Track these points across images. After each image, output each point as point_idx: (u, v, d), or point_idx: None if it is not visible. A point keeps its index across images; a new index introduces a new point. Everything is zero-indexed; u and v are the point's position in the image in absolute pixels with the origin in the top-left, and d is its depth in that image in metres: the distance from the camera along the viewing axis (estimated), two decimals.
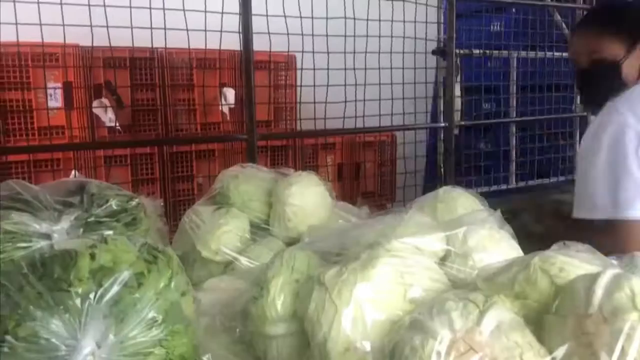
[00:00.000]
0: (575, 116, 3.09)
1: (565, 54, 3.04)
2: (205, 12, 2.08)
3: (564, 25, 3.03)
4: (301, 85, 2.54)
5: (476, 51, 2.84)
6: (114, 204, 1.09)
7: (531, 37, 3.02)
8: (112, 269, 0.76)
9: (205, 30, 2.11)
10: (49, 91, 2.39)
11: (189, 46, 2.17)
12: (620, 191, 1.37)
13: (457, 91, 2.68)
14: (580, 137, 3.02)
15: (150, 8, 2.04)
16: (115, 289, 0.74)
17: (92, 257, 0.76)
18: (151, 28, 2.06)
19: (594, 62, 1.63)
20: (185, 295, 0.83)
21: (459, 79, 2.71)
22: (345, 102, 2.43)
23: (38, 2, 1.86)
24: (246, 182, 1.37)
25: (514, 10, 3.18)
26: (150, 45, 2.17)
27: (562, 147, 3.14)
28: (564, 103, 3.12)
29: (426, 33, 2.68)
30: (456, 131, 2.71)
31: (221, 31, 2.11)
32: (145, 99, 2.68)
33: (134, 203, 1.15)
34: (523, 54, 2.99)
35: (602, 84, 1.62)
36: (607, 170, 1.39)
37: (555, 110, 3.09)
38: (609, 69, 1.59)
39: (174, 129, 2.75)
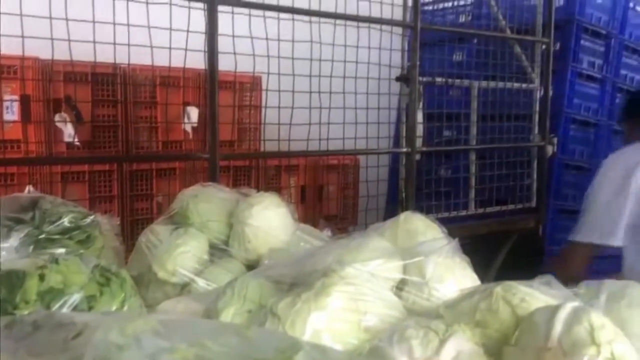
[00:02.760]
0: (532, 145, 3.17)
1: (524, 85, 3.12)
2: (171, 30, 2.07)
3: (523, 57, 3.12)
4: (266, 107, 2.53)
5: (439, 79, 2.89)
6: (67, 220, 1.05)
7: (492, 68, 3.09)
8: (62, 291, 0.73)
9: (170, 48, 2.09)
10: (6, 104, 2.32)
11: (152, 63, 2.14)
12: None
13: (420, 118, 2.72)
14: (538, 166, 3.11)
15: (114, 23, 2.01)
16: None
17: (41, 277, 0.73)
18: (114, 44, 2.03)
19: None
20: None
21: (421, 105, 2.75)
22: (310, 124, 2.44)
23: None
24: (206, 201, 1.34)
25: (475, 41, 3.26)
26: (113, 61, 2.14)
27: (520, 175, 3.20)
28: (522, 133, 3.19)
29: (390, 60, 2.72)
30: (418, 157, 2.74)
31: (186, 49, 2.10)
32: (106, 115, 2.63)
33: (88, 220, 1.12)
34: (484, 84, 3.06)
35: None
36: None
37: (514, 139, 3.16)
38: None
39: (135, 147, 2.70)
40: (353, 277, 0.83)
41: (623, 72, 3.42)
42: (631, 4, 3.44)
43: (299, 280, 0.85)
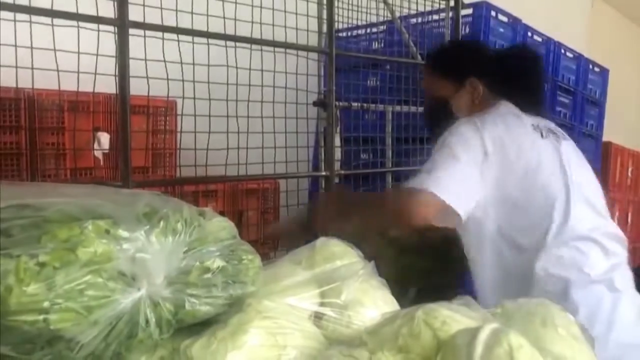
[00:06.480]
0: None
1: None
2: (79, 53, 1.98)
3: None
4: (181, 131, 2.47)
5: (354, 104, 2.94)
6: None
7: (404, 93, 3.19)
8: None
9: (78, 72, 2.00)
10: None
11: (59, 88, 2.04)
12: None
13: (337, 141, 2.75)
14: None
15: (15, 46, 1.90)
16: None
17: None
18: (16, 67, 1.91)
19: (431, 98, 1.99)
20: None
21: (338, 129, 2.78)
22: (228, 149, 2.40)
23: None
24: None
25: (388, 66, 3.36)
26: (15, 85, 2.01)
27: None
28: None
29: (307, 85, 2.75)
30: (336, 180, 2.77)
31: (95, 73, 2.01)
32: (8, 142, 2.48)
33: None
34: (397, 108, 3.15)
35: (438, 117, 1.95)
36: None
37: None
38: (441, 104, 1.93)
39: (41, 175, 2.56)
40: (270, 310, 0.81)
41: None
42: (529, 33, 3.68)
43: (214, 318, 0.81)
